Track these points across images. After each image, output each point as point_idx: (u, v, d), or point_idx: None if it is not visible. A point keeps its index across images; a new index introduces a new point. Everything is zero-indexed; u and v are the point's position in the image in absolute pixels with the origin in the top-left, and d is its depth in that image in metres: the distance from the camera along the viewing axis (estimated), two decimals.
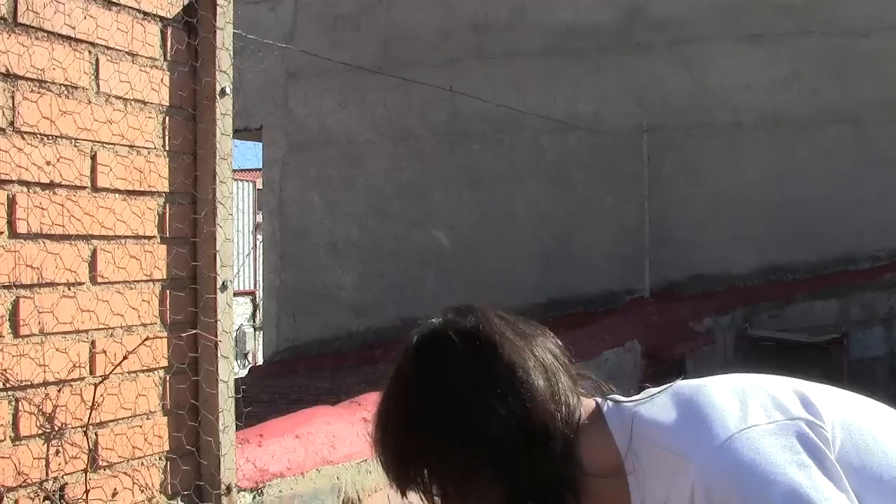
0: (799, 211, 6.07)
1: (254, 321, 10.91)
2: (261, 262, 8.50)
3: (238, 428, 2.16)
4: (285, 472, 2.28)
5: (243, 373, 8.01)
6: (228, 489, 2.07)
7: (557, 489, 1.28)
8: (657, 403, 1.30)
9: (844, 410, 1.30)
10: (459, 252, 6.24)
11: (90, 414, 1.83)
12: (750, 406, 1.23)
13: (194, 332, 2.05)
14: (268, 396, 4.35)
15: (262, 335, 8.68)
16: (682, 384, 1.33)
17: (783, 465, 1.16)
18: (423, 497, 1.32)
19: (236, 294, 11.19)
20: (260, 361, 8.97)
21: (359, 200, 6.71)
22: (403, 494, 1.33)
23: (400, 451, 1.30)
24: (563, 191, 6.27)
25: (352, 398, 2.78)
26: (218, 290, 2.09)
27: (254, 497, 2.18)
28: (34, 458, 1.74)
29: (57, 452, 1.78)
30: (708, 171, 6.24)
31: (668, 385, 1.33)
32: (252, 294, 11.39)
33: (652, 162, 6.16)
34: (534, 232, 6.25)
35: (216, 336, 2.07)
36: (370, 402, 2.75)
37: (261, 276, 8.96)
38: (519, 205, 6.31)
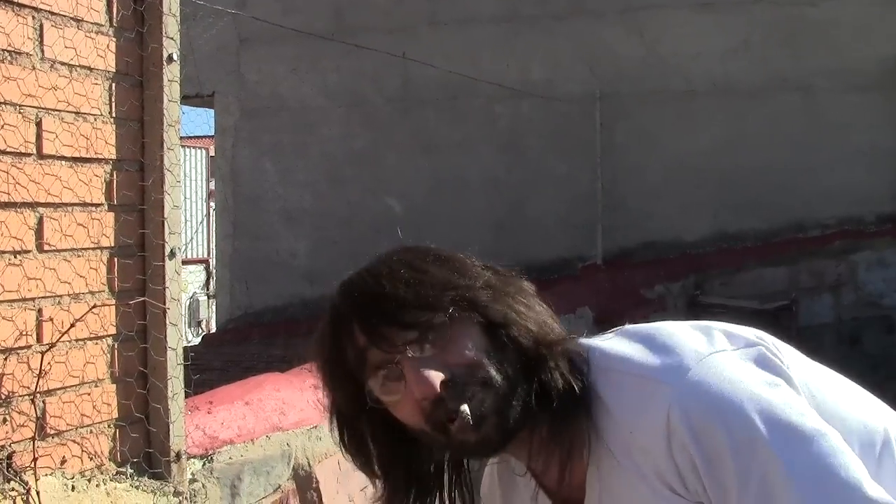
0: (750, 179, 6.16)
1: (207, 289, 10.86)
2: (214, 229, 8.45)
3: (188, 395, 2.18)
4: (235, 439, 2.30)
5: (197, 341, 7.99)
6: (178, 456, 2.09)
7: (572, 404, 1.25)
8: (612, 340, 1.29)
9: (797, 356, 1.33)
10: (412, 219, 6.26)
11: (37, 382, 1.83)
12: (713, 336, 1.23)
13: (142, 299, 2.06)
14: (220, 364, 4.36)
15: (215, 303, 8.66)
16: (632, 326, 1.32)
17: (756, 384, 1.17)
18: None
19: (189, 262, 11.10)
20: (213, 329, 8.95)
21: (312, 167, 6.70)
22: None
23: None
24: (517, 158, 6.31)
25: (303, 365, 2.79)
26: (166, 258, 2.10)
27: (203, 464, 2.19)
28: None
29: (4, 421, 1.78)
30: (660, 139, 6.31)
31: (617, 328, 1.32)
32: (205, 262, 11.33)
33: (605, 129, 6.21)
34: (487, 199, 6.29)
35: (165, 304, 2.08)
36: None
37: (214, 245, 8.91)
38: (472, 172, 6.34)
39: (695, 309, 5.66)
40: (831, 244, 6.12)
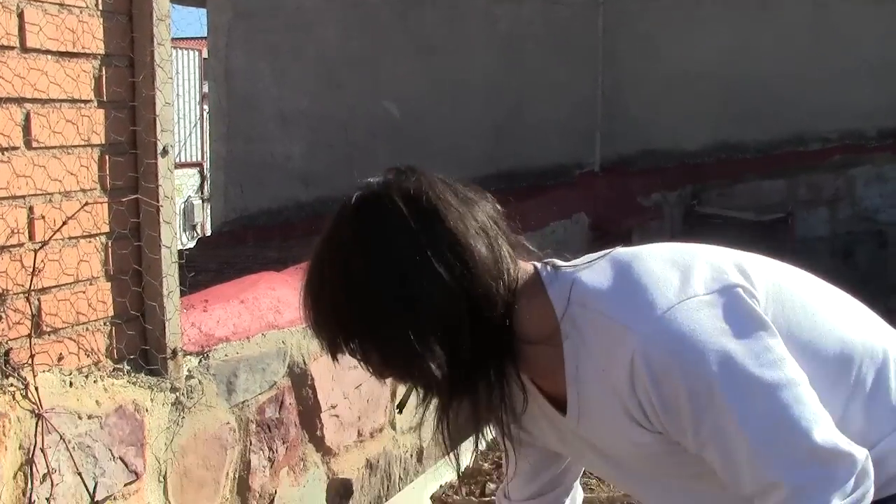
0: (753, 90, 6.10)
1: (202, 193, 10.82)
2: (207, 132, 8.38)
3: (183, 294, 2.19)
4: (231, 337, 2.32)
5: (192, 244, 8.01)
6: (174, 353, 2.11)
7: (498, 357, 1.30)
8: (596, 269, 1.31)
9: (778, 282, 1.34)
10: (410, 122, 6.21)
11: (31, 280, 1.84)
12: (689, 277, 1.26)
13: (135, 196, 2.05)
14: (216, 266, 4.37)
15: (209, 207, 8.65)
16: (621, 251, 1.35)
17: (720, 334, 1.21)
18: (360, 362, 1.36)
19: (183, 166, 11.03)
20: (208, 233, 8.95)
21: (307, 69, 6.60)
22: (335, 359, 1.36)
23: (334, 315, 1.31)
24: (516, 62, 6.22)
25: (298, 265, 2.81)
26: (158, 155, 2.08)
27: (200, 361, 2.22)
28: None
29: (0, 318, 1.80)
30: (664, 47, 6.21)
31: (608, 251, 1.35)
32: (199, 165, 11.26)
33: (607, 35, 6.11)
34: (485, 103, 6.22)
35: (158, 202, 2.07)
36: None
37: (207, 148, 8.85)
38: (471, 75, 6.26)
39: (691, 219, 5.67)
40: (831, 158, 6.10)
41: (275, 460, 2.45)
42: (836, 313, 1.37)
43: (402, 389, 1.46)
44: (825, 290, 1.41)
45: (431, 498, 2.94)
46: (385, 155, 5.90)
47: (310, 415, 2.59)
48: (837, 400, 1.28)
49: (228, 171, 6.87)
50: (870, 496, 1.23)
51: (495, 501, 1.60)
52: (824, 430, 1.21)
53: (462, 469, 3.03)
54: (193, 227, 10.51)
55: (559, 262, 1.35)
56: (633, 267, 1.29)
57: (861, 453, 1.22)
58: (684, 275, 1.26)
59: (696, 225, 5.65)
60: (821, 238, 5.87)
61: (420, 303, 1.24)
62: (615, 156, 5.90)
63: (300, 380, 2.55)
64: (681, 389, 1.21)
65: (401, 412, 1.50)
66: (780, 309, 1.30)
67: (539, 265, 1.35)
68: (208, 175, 8.88)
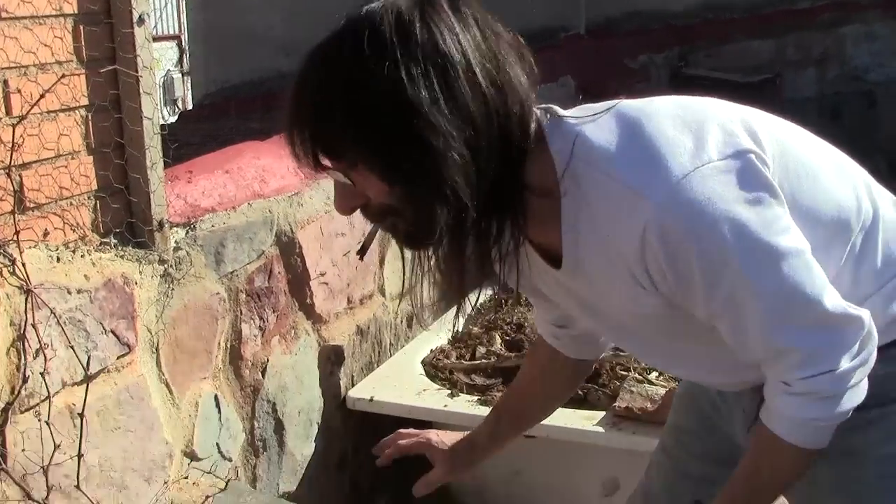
0: None
1: (181, 66, 10.62)
2: (184, 2, 8.17)
3: (167, 166, 2.18)
4: (217, 207, 2.31)
5: (173, 119, 7.91)
6: (160, 225, 2.11)
7: (510, 204, 1.23)
8: (602, 125, 1.24)
9: (783, 141, 1.33)
10: None
11: (11, 155, 1.82)
12: (703, 140, 1.21)
13: (113, 67, 2.01)
14: (198, 139, 4.32)
15: (189, 80, 8.50)
16: (626, 105, 1.28)
17: (734, 202, 1.19)
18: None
19: (160, 39, 10.76)
20: (190, 107, 8.82)
21: None
22: (315, 169, 1.25)
23: (350, 123, 1.17)
24: None
25: (281, 134, 2.78)
26: (135, 25, 2.03)
27: (186, 232, 2.22)
28: None
29: None
30: None
31: (612, 103, 1.29)
32: (178, 38, 11.01)
33: None
34: None
35: (136, 72, 2.04)
36: None
37: (185, 19, 8.64)
38: None
39: (678, 81, 5.60)
40: (821, 16, 5.97)
41: (266, 329, 2.48)
42: (833, 175, 1.37)
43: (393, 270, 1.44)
44: (821, 149, 1.41)
45: (422, 362, 2.99)
46: None
47: (299, 283, 2.61)
48: (831, 264, 1.30)
49: (207, 42, 6.71)
50: (874, 356, 1.27)
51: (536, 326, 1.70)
52: (832, 295, 1.24)
53: (455, 331, 3.07)
54: (175, 102, 10.33)
55: (560, 111, 1.28)
56: (643, 127, 1.23)
57: (866, 315, 1.25)
58: (697, 138, 1.21)
59: (683, 87, 5.54)
60: (809, 98, 5.82)
61: (459, 115, 1.15)
62: (601, 18, 5.78)
63: (288, 248, 2.56)
64: (695, 260, 1.20)
65: (362, 258, 1.47)
66: (784, 173, 1.29)
67: (540, 113, 1.27)
68: (186, 48, 8.70)
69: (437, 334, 3.13)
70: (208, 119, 6.47)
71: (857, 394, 1.26)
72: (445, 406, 2.70)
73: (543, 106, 1.29)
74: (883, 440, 1.36)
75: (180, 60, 10.50)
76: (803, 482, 1.39)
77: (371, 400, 2.77)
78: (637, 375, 2.72)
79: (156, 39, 11.64)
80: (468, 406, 2.70)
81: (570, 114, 1.28)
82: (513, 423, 1.81)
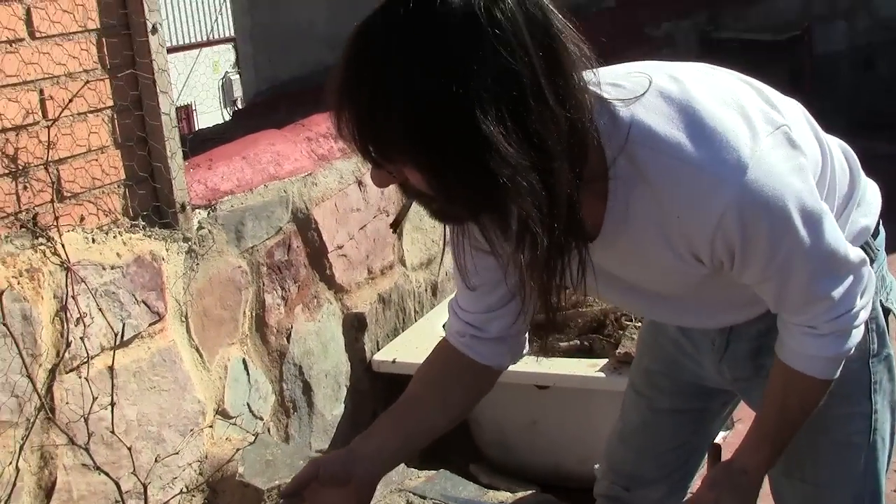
0: None
1: (237, 68, 11.03)
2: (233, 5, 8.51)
3: (186, 155, 2.47)
4: (235, 190, 2.61)
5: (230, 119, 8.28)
6: (183, 207, 2.41)
7: (570, 197, 1.19)
8: (652, 108, 1.25)
9: (784, 108, 1.43)
10: None
11: (48, 152, 2.13)
12: (751, 120, 1.28)
13: (132, 71, 2.31)
14: (244, 134, 4.63)
15: (241, 80, 8.85)
16: (664, 83, 1.28)
17: (790, 174, 1.28)
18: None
19: (217, 42, 11.14)
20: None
21: None
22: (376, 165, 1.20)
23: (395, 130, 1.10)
24: None
25: (297, 121, 3.06)
26: (149, 34, 2.33)
27: (208, 213, 2.52)
28: (6, 194, 2.06)
29: (25, 188, 2.10)
30: None
31: (642, 75, 1.29)
32: (233, 41, 11.43)
33: None
34: None
35: (153, 74, 2.33)
36: (313, 124, 3.05)
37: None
38: None
39: (708, 45, 5.71)
40: None
41: (288, 298, 2.78)
42: (805, 124, 1.51)
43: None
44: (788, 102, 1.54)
45: (444, 326, 3.24)
46: None
47: (318, 256, 2.89)
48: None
49: (255, 42, 7.05)
50: (874, 281, 1.45)
51: (448, 310, 1.58)
52: (847, 243, 1.40)
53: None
54: (234, 103, 10.75)
55: (604, 94, 1.23)
56: (697, 111, 1.25)
57: (862, 252, 1.43)
58: (745, 118, 1.28)
59: (712, 51, 5.69)
60: (839, 52, 5.86)
61: (529, 143, 1.11)
62: None
63: (304, 224, 2.84)
64: (764, 231, 1.28)
65: (395, 232, 1.56)
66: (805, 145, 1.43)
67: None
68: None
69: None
70: (259, 116, 6.81)
71: (861, 331, 1.44)
72: None
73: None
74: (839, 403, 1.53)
75: (237, 62, 10.90)
76: None
77: (394, 362, 3.02)
78: (638, 324, 2.93)
79: (213, 43, 12.11)
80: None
81: (608, 95, 1.24)
82: (407, 437, 1.55)
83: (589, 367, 2.86)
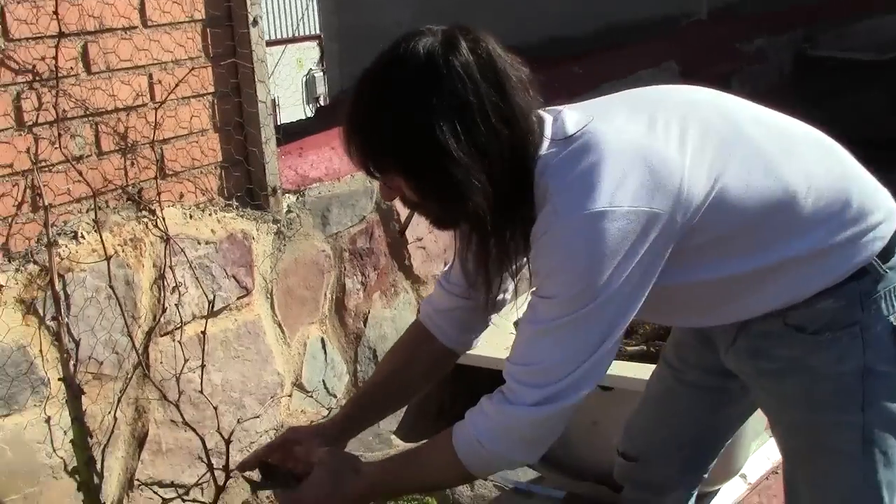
0: None
1: (322, 65, 11.38)
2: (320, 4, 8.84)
3: (280, 142, 2.73)
4: (323, 178, 2.87)
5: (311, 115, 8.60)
6: (274, 191, 2.67)
7: (520, 213, 1.58)
8: (568, 154, 1.56)
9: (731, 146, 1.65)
10: None
11: (154, 133, 2.40)
12: (626, 184, 1.50)
13: (232, 60, 2.58)
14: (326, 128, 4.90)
15: (326, 78, 9.16)
16: (596, 129, 1.58)
17: (612, 250, 1.49)
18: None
19: (302, 39, 11.46)
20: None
21: None
22: (371, 175, 1.61)
23: (394, 137, 1.50)
24: None
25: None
26: (250, 26, 2.59)
27: (297, 198, 2.78)
28: (115, 169, 2.34)
29: (132, 164, 2.38)
30: None
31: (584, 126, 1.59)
32: (319, 38, 11.80)
33: None
34: None
35: (252, 64, 2.60)
36: None
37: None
38: None
39: (803, 62, 5.78)
40: None
41: (367, 284, 3.02)
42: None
43: None
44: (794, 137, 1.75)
45: (514, 322, 3.44)
46: (487, 16, 6.20)
47: (397, 246, 3.13)
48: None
49: (341, 40, 7.34)
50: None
51: (435, 285, 1.96)
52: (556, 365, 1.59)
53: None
54: (316, 100, 11.11)
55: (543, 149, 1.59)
56: (593, 160, 1.53)
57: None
58: (622, 180, 1.51)
59: (806, 69, 5.78)
60: None
61: (477, 150, 1.50)
62: (722, 3, 6.05)
63: (387, 215, 3.08)
64: (547, 265, 1.57)
65: (402, 236, 1.88)
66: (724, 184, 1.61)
67: (548, 117, 1.63)
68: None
69: (515, 298, 3.55)
70: (342, 113, 7.10)
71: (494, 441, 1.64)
72: None
73: (551, 109, 1.65)
74: (835, 360, 1.69)
75: (321, 59, 11.25)
76: (772, 395, 1.78)
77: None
78: None
79: (298, 40, 12.50)
80: None
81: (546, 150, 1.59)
82: (371, 408, 2.00)
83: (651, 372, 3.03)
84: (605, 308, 1.52)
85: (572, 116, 1.62)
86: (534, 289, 1.60)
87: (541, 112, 1.62)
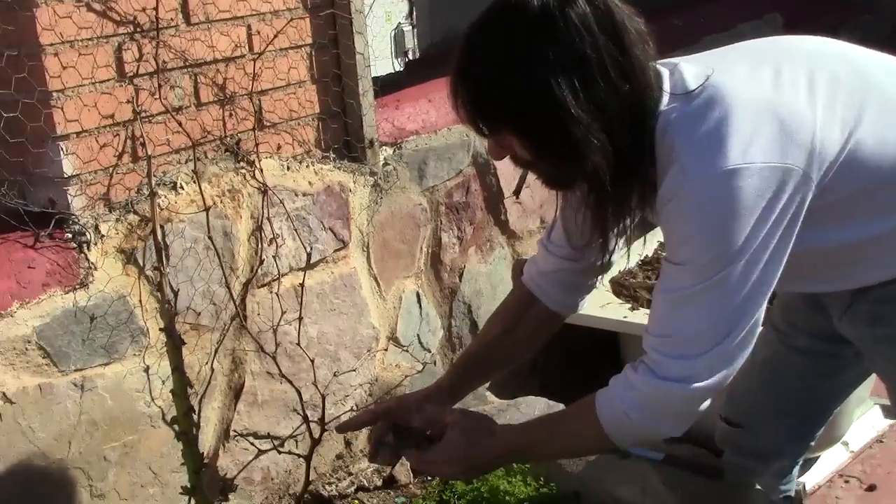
0: None
1: (411, 19, 11.33)
2: None
3: (377, 95, 2.71)
4: (420, 131, 2.85)
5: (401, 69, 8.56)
6: (371, 143, 2.66)
7: (639, 172, 1.53)
8: (691, 109, 1.50)
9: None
10: None
11: (252, 84, 2.40)
12: (758, 139, 1.44)
13: (331, 11, 2.56)
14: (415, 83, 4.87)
15: (416, 32, 9.10)
16: (718, 82, 1.52)
17: (747, 209, 1.43)
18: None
19: None
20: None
21: None
22: (481, 133, 1.55)
23: (509, 95, 1.44)
24: None
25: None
26: None
27: (394, 151, 2.77)
28: (214, 120, 2.35)
29: (230, 115, 2.39)
30: None
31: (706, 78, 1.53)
32: None
33: None
34: None
35: (350, 15, 2.58)
36: None
37: None
38: None
39: None
40: None
41: (463, 239, 3.00)
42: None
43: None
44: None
45: (610, 281, 3.40)
46: None
47: (494, 200, 3.10)
48: None
49: None
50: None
51: (538, 246, 1.92)
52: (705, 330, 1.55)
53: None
54: (405, 54, 11.07)
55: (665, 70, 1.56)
56: (720, 113, 1.48)
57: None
58: (754, 134, 1.46)
59: None
60: None
61: (596, 106, 1.44)
62: None
63: (484, 169, 3.05)
64: (683, 227, 1.53)
65: (517, 197, 1.84)
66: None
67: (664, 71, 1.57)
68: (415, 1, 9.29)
69: (627, 258, 3.50)
70: (432, 66, 7.07)
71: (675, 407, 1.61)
72: (625, 317, 3.11)
73: (667, 62, 1.59)
74: None
75: (410, 13, 11.19)
76: (891, 361, 1.74)
77: None
78: None
79: None
80: (645, 317, 3.07)
81: (667, 105, 1.53)
82: (477, 373, 1.99)
83: None
84: (743, 274, 1.46)
85: (690, 70, 1.56)
86: (665, 254, 1.56)
87: (657, 65, 1.56)
